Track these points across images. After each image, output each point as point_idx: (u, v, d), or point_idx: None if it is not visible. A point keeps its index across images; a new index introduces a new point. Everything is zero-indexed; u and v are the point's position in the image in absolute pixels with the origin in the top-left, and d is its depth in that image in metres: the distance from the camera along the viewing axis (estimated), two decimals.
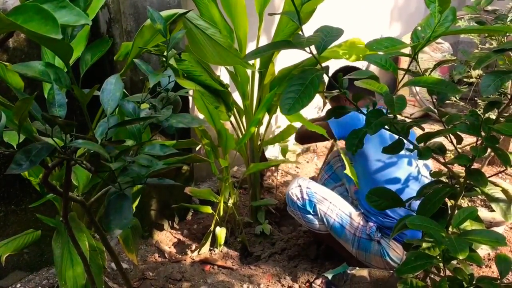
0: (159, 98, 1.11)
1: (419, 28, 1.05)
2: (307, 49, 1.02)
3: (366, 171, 1.87)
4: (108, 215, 0.80)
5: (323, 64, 1.87)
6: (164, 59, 1.06)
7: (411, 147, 1.15)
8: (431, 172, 1.30)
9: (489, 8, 2.90)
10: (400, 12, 3.88)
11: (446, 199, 1.22)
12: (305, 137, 2.23)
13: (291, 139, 2.41)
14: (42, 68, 0.91)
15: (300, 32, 1.09)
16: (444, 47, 3.53)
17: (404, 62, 3.62)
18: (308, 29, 1.10)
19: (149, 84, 1.06)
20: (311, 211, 1.91)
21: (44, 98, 0.96)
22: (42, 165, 0.98)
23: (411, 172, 1.85)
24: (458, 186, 1.20)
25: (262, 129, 2.32)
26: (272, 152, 3.14)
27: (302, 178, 2.02)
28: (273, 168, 2.93)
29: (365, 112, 1.09)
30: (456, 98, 2.79)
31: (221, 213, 2.16)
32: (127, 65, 1.46)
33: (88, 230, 1.53)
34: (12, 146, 0.90)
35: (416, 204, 1.20)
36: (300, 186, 1.94)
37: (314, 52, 1.03)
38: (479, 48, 2.87)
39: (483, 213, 2.25)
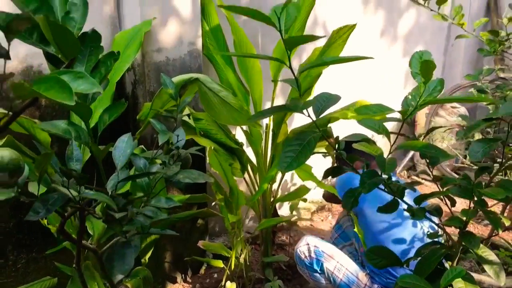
0: (170, 155, 1.21)
1: (410, 96, 1.13)
2: (305, 112, 1.12)
3: (370, 232, 1.89)
4: (112, 261, 0.87)
5: (333, 124, 1.96)
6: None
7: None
8: (428, 233, 1.34)
9: (502, 75, 2.97)
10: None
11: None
12: (330, 198, 2.31)
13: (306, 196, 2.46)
14: (65, 126, 1.03)
15: (309, 98, 1.19)
16: (460, 111, 3.59)
17: (421, 118, 3.67)
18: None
19: (163, 141, 1.17)
20: (318, 269, 1.93)
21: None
22: (59, 213, 1.08)
23: (416, 234, 1.88)
24: (454, 247, 1.23)
25: (275, 186, 2.39)
26: (288, 209, 3.19)
27: (311, 236, 2.06)
28: (288, 225, 2.96)
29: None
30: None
31: (233, 268, 2.19)
32: (145, 124, 1.58)
33: (102, 280, 1.59)
34: (35, 196, 1.00)
35: None
36: (308, 244, 1.98)
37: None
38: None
39: None
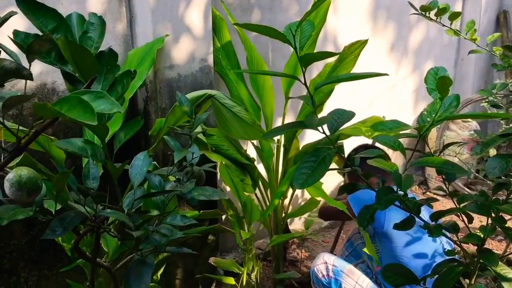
0: (184, 172, 1.21)
1: (425, 112, 1.13)
2: (320, 129, 1.11)
3: (391, 250, 1.86)
4: (128, 279, 0.87)
5: (345, 141, 1.95)
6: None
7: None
8: (446, 250, 1.32)
9: None
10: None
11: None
12: (327, 214, 2.27)
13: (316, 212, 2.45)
14: (81, 144, 1.03)
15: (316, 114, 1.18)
16: (471, 125, 3.57)
17: (433, 132, 3.66)
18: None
19: (179, 158, 1.17)
20: None
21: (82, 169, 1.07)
22: (74, 231, 1.07)
23: (437, 248, 1.85)
24: (471, 265, 1.22)
25: (286, 202, 2.38)
26: (299, 225, 3.17)
27: (328, 254, 2.04)
28: (299, 241, 2.94)
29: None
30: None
31: (244, 285, 2.18)
32: (158, 140, 1.59)
33: None
34: (50, 213, 1.00)
35: None
36: (326, 263, 1.96)
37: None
38: (503, 127, 2.90)
39: None
